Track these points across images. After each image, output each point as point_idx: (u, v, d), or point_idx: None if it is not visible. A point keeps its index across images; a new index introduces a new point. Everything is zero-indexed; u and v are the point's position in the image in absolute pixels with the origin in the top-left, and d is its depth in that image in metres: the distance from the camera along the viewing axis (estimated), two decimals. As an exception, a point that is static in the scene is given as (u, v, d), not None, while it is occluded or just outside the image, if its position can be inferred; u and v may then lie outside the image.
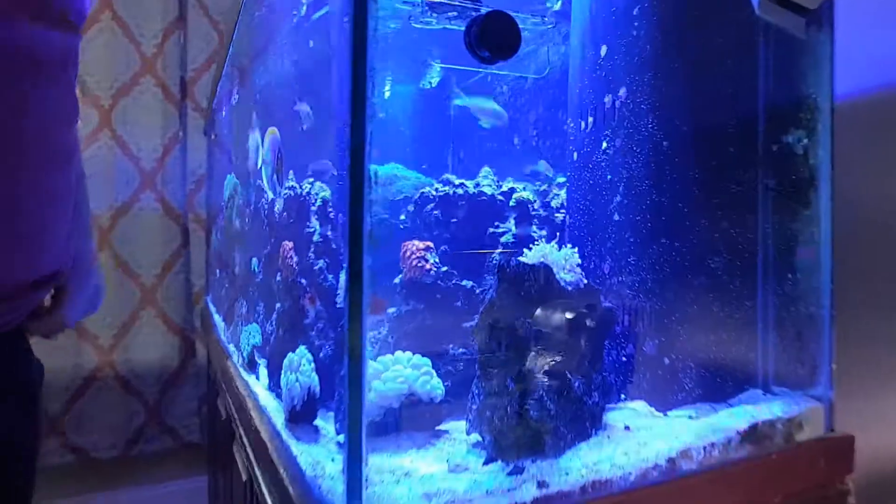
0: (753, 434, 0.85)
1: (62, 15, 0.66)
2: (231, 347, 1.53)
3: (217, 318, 2.02)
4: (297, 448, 0.75)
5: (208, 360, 2.43)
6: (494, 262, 1.03)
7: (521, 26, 0.74)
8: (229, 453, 1.42)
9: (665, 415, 0.96)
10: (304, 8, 1.04)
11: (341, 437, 0.67)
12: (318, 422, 0.81)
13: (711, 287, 0.98)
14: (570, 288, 0.90)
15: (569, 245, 0.92)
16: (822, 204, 0.97)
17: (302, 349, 0.82)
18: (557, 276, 0.89)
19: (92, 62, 2.60)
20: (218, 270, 2.18)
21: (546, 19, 0.93)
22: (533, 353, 0.86)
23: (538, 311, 0.97)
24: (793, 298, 0.98)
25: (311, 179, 1.04)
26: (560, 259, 0.90)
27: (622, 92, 1.03)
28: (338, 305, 0.67)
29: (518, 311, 0.80)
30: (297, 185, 1.06)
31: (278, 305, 1.01)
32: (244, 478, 1.08)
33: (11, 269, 0.59)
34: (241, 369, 1.33)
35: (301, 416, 0.81)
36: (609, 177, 1.06)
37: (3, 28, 0.59)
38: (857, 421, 0.96)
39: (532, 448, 0.73)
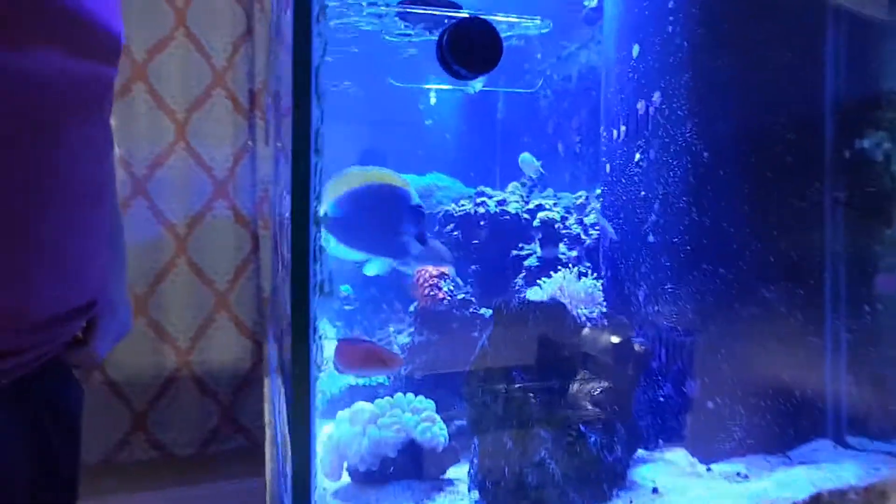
0: (813, 506, 0.71)
1: (96, 47, 0.66)
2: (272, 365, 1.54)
3: (269, 331, 2.06)
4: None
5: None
6: (517, 286, 0.94)
7: (508, 33, 0.64)
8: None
9: (708, 469, 0.83)
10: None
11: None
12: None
13: (766, 319, 0.84)
14: (589, 324, 0.80)
15: (592, 275, 0.82)
16: (909, 221, 0.80)
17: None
18: (576, 312, 0.79)
19: (168, 78, 2.74)
20: (271, 282, 2.23)
21: (539, 22, 0.81)
22: (578, 379, 0.78)
23: (586, 331, 0.88)
24: (872, 335, 0.82)
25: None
26: (580, 291, 0.80)
27: (656, 97, 0.90)
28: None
29: (518, 359, 0.71)
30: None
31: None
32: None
33: (48, 300, 0.59)
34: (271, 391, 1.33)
35: (293, 464, 0.77)
36: (643, 192, 0.94)
37: (33, 60, 0.59)
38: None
39: (532, 516, 0.65)
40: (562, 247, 1.00)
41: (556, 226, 1.01)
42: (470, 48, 0.60)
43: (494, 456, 0.68)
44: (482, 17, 0.62)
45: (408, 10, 0.72)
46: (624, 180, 0.97)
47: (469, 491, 0.75)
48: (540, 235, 1.00)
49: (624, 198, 0.97)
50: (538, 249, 0.99)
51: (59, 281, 0.57)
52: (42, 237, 0.55)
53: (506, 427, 0.68)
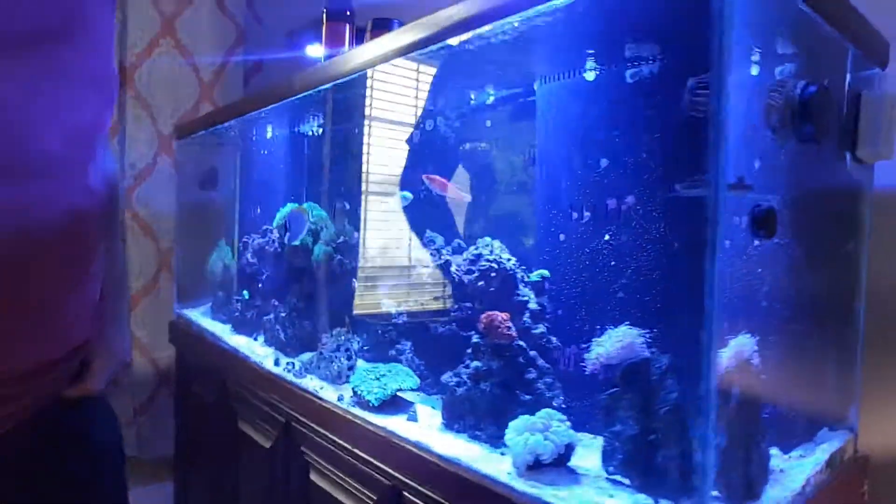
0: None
1: (110, 96, 0.64)
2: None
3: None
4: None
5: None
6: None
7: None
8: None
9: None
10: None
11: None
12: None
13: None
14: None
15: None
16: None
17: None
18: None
19: None
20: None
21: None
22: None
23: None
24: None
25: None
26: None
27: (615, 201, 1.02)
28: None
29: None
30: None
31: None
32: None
33: (35, 354, 0.61)
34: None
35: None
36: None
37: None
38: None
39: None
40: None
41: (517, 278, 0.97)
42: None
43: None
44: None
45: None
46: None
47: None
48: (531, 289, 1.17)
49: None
50: (532, 297, 1.12)
51: (44, 337, 0.60)
52: (27, 299, 0.56)
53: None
